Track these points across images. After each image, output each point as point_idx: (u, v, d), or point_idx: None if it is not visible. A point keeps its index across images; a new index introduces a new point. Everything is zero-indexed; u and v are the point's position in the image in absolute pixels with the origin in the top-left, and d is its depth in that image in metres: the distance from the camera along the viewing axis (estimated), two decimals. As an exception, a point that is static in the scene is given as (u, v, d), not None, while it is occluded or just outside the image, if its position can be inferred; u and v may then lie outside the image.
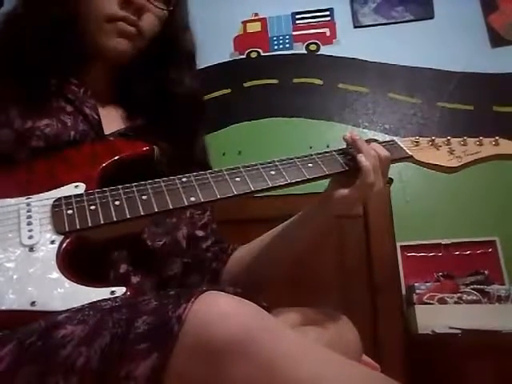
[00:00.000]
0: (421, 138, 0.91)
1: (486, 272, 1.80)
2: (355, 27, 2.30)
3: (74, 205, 0.71)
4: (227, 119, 2.23)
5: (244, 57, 2.34)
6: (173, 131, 0.92)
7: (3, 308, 0.61)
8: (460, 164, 0.88)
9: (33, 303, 0.61)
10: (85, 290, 0.64)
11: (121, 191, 0.74)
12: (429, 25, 2.24)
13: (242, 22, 2.38)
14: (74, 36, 0.86)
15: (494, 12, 2.20)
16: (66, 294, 0.63)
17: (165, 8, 0.91)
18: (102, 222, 0.70)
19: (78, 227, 0.69)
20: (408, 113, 2.17)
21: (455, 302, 1.70)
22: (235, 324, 0.51)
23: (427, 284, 1.81)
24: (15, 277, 0.64)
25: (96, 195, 0.73)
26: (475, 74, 2.14)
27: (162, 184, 0.75)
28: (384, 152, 0.83)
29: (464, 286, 1.76)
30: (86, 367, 0.50)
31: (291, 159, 0.82)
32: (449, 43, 2.19)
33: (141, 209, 0.72)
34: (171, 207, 0.73)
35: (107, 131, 0.88)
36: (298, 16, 2.36)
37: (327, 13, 2.34)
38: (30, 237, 0.68)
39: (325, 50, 2.29)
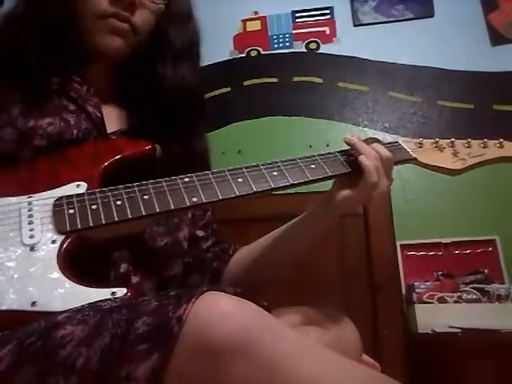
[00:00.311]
0: (424, 140, 0.90)
1: (485, 271, 1.80)
2: (355, 26, 2.30)
3: (76, 204, 0.71)
4: (227, 118, 2.23)
5: (244, 55, 2.34)
6: (173, 129, 0.91)
7: (4, 308, 0.61)
8: (464, 166, 0.87)
9: (33, 303, 0.61)
10: (85, 291, 0.63)
11: (122, 191, 0.73)
12: (429, 23, 2.24)
13: (242, 21, 2.37)
14: (73, 34, 0.86)
15: (494, 10, 2.20)
16: (67, 295, 0.63)
17: (159, 2, 0.89)
18: (103, 221, 0.70)
19: (79, 227, 0.69)
20: (408, 111, 2.17)
21: (455, 301, 1.70)
22: (235, 324, 0.51)
23: (427, 283, 1.81)
24: (16, 276, 0.63)
25: (97, 195, 0.73)
26: (475, 72, 2.14)
27: (164, 184, 0.75)
28: (385, 152, 0.82)
29: (464, 285, 1.76)
30: (85, 367, 0.50)
31: (294, 160, 0.82)
32: (449, 42, 2.19)
33: (142, 209, 0.72)
34: (173, 207, 0.73)
35: (109, 130, 0.88)
36: (297, 14, 2.36)
37: (327, 11, 2.34)
38: (31, 236, 0.68)
39: (325, 49, 2.29)
